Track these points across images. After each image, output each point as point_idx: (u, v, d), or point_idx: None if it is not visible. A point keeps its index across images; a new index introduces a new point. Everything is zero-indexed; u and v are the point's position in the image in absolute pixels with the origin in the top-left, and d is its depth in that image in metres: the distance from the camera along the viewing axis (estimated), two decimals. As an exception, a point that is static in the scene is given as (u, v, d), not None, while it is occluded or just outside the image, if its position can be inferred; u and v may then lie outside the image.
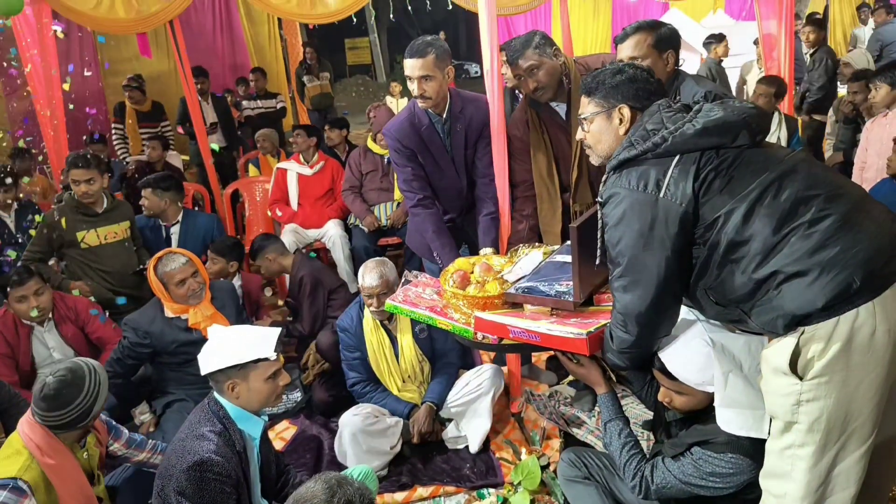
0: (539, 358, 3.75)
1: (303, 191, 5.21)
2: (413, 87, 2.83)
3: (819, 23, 6.99)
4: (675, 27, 2.77)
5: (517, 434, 3.19)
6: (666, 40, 2.67)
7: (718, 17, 8.79)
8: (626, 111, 1.88)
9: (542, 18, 9.76)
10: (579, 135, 2.02)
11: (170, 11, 5.22)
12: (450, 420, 3.21)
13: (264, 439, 2.45)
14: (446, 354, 3.22)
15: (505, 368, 3.40)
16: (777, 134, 4.66)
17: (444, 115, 2.97)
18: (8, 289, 3.43)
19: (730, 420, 1.77)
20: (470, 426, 3.12)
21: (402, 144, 2.99)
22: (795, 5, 9.74)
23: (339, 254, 4.87)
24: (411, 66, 2.80)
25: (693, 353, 1.84)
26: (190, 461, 2.09)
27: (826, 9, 11.01)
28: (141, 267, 4.13)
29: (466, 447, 3.12)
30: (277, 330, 2.36)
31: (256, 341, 2.26)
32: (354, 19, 7.07)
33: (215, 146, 6.12)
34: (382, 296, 2.95)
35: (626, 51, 2.68)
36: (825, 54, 6.32)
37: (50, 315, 3.55)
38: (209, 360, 2.24)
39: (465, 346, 3.22)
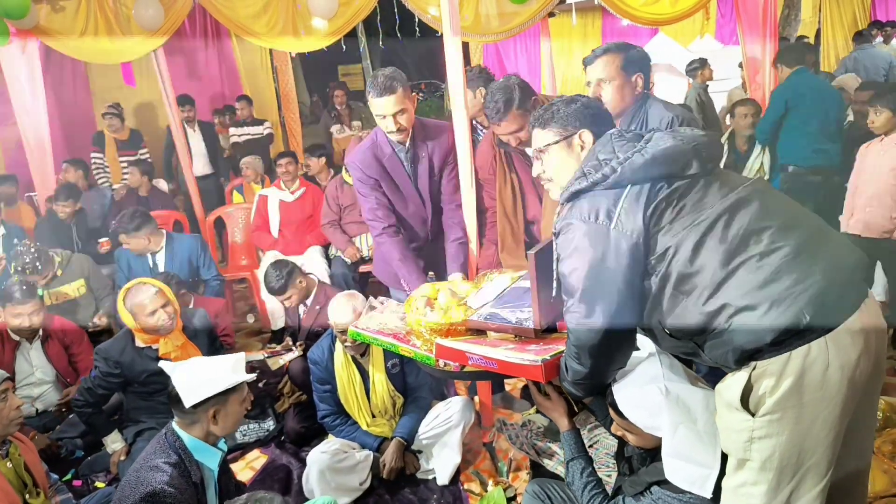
0: (514, 387, 3.71)
1: (284, 217, 5.21)
2: (387, 123, 2.79)
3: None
4: (644, 50, 2.76)
5: (488, 464, 3.15)
6: (635, 62, 2.64)
7: (706, 41, 8.83)
8: (588, 135, 1.86)
9: (532, 42, 9.79)
10: (536, 169, 1.98)
11: (154, 41, 5.25)
12: (420, 452, 3.17)
13: (224, 470, 2.43)
14: (419, 388, 3.19)
15: (477, 398, 3.37)
16: (760, 159, 4.66)
17: (407, 144, 2.95)
18: (6, 302, 3.58)
19: (675, 471, 1.72)
20: (439, 459, 3.09)
21: (366, 174, 2.97)
22: (784, 29, 9.82)
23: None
24: (384, 104, 2.74)
25: (645, 398, 1.79)
26: (142, 492, 2.07)
27: (818, 33, 11.07)
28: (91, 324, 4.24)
29: (435, 478, 3.08)
30: (242, 354, 2.39)
31: (233, 366, 2.29)
32: (345, 47, 7.07)
33: None
34: None
35: (595, 72, 2.65)
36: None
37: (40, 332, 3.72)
38: (195, 392, 2.21)
39: (437, 379, 3.21)
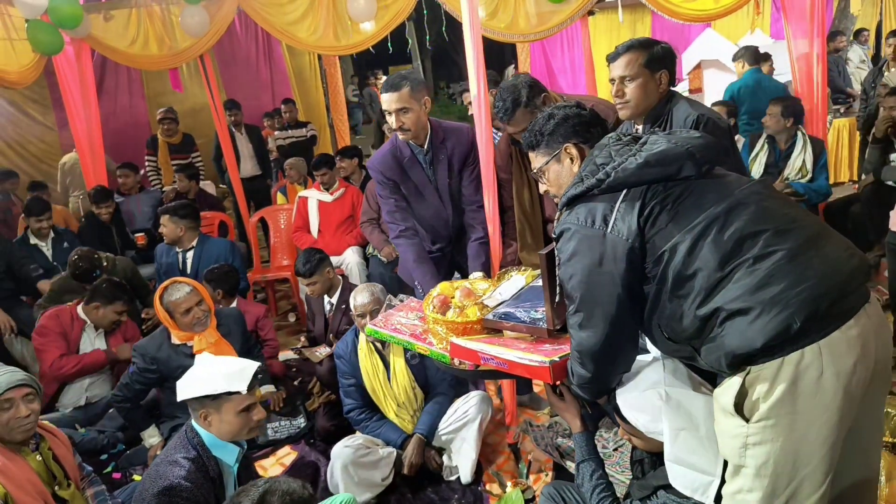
0: (542, 388, 3.68)
1: (323, 218, 5.30)
2: (391, 120, 2.88)
3: None
4: (670, 46, 2.69)
5: (511, 465, 3.14)
6: (659, 60, 2.58)
7: (756, 36, 8.57)
8: (573, 149, 1.89)
9: (578, 41, 9.64)
10: (541, 188, 2.02)
11: (200, 46, 5.41)
12: (442, 450, 3.18)
13: (246, 466, 2.48)
14: (439, 384, 3.21)
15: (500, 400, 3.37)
16: (802, 157, 4.51)
17: (426, 146, 2.99)
18: (105, 298, 3.82)
19: (677, 476, 1.71)
20: (460, 455, 3.10)
21: (385, 176, 3.03)
22: (841, 22, 9.44)
23: (357, 281, 4.91)
24: (388, 100, 2.83)
25: (646, 402, 1.78)
26: (160, 486, 2.14)
27: (879, 24, 10.65)
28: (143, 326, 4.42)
29: (459, 478, 3.10)
30: (256, 364, 2.38)
31: (232, 374, 2.28)
32: (391, 48, 7.12)
33: None
34: (375, 313, 3.00)
35: (617, 70, 2.61)
36: None
37: None
38: (185, 388, 2.29)
39: (458, 376, 3.22)
